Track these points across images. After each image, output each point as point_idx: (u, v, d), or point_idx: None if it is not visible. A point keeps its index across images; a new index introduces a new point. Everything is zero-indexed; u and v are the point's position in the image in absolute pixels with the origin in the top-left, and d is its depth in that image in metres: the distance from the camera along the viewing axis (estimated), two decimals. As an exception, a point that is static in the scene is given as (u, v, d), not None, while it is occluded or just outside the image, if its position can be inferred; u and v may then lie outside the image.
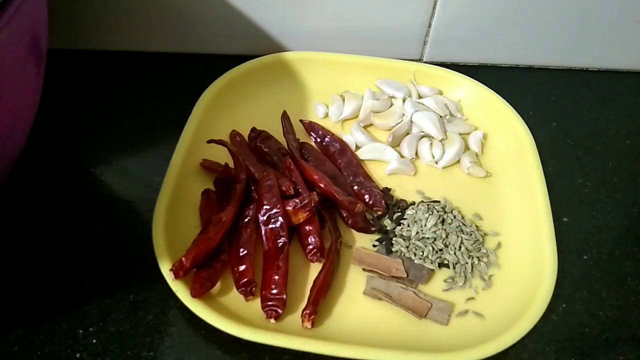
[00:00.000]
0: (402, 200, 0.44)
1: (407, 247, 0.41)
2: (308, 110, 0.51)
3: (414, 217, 0.42)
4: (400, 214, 0.43)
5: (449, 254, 0.41)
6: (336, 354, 0.34)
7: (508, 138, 0.48)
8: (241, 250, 0.39)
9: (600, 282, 0.41)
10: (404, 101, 0.51)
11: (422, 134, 0.49)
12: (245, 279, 0.37)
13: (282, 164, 0.44)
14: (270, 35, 0.54)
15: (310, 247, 0.40)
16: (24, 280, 0.38)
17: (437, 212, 0.42)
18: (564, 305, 0.39)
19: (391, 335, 0.37)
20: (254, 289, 0.37)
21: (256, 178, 0.43)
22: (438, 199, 0.44)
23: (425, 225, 0.42)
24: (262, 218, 0.40)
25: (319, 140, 0.48)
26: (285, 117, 0.49)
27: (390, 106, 0.51)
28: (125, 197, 0.44)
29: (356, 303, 0.38)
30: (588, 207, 0.45)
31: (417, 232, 0.41)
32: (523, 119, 0.49)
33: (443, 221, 0.42)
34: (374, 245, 0.42)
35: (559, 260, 0.40)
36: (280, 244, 0.39)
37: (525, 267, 0.40)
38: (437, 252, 0.41)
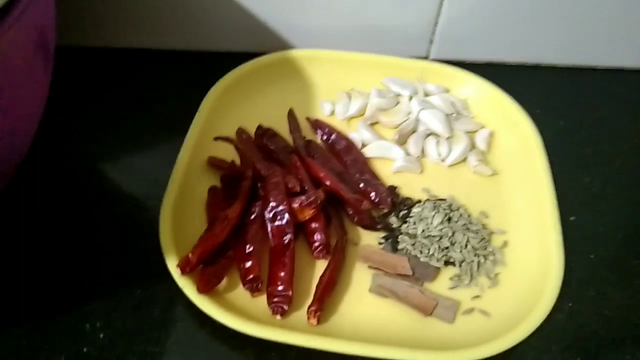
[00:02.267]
0: (408, 198, 0.44)
1: (413, 245, 0.41)
2: (314, 108, 0.51)
3: (420, 215, 0.42)
4: (406, 211, 0.43)
5: (455, 252, 0.40)
6: (341, 350, 0.34)
7: (515, 136, 0.48)
8: (247, 247, 0.39)
9: (607, 281, 0.41)
10: (410, 99, 0.51)
11: (429, 132, 0.49)
12: (252, 276, 0.38)
13: (289, 161, 0.44)
14: (277, 33, 0.54)
15: (316, 244, 0.40)
16: (32, 276, 0.39)
17: (444, 210, 0.42)
18: (570, 305, 0.39)
19: (396, 333, 0.37)
20: (260, 285, 0.37)
21: (262, 175, 0.43)
22: (444, 197, 0.44)
23: (431, 223, 0.42)
24: (268, 215, 0.40)
25: (325, 137, 0.48)
26: (291, 114, 0.49)
27: (397, 104, 0.51)
28: (132, 194, 0.44)
29: (362, 300, 0.39)
30: (595, 206, 0.45)
31: (423, 230, 0.41)
32: (530, 117, 0.49)
33: (449, 219, 0.42)
34: (380, 243, 0.42)
35: (565, 259, 0.39)
36: (286, 241, 0.39)
37: (532, 266, 0.40)
38: (443, 250, 0.41)
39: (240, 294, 0.38)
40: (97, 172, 0.45)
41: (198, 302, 0.36)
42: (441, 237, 0.41)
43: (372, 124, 0.50)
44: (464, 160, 0.47)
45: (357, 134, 0.49)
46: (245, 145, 0.46)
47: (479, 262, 0.40)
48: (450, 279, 0.40)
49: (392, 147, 0.47)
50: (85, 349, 0.35)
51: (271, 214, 0.40)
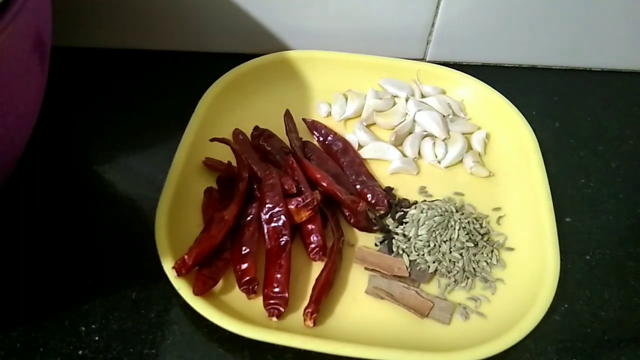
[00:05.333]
0: (404, 199, 0.44)
1: (409, 246, 0.41)
2: (311, 109, 0.51)
3: (416, 216, 0.42)
4: (402, 213, 0.43)
5: (451, 253, 0.40)
6: (338, 352, 0.34)
7: (511, 138, 0.48)
8: (243, 248, 0.39)
9: (602, 282, 0.41)
10: (407, 100, 0.51)
11: (425, 133, 0.49)
12: (248, 277, 0.37)
13: (285, 162, 0.44)
14: (274, 34, 0.54)
15: (313, 245, 0.40)
16: (27, 278, 0.38)
17: (440, 211, 0.42)
18: (566, 306, 0.39)
19: (393, 335, 0.37)
20: (256, 287, 0.37)
21: (259, 176, 0.43)
22: (441, 199, 0.44)
23: (427, 225, 0.41)
24: (264, 216, 0.40)
25: (321, 139, 0.48)
26: (288, 115, 0.49)
27: (393, 105, 0.51)
28: (128, 195, 0.44)
29: (358, 302, 0.39)
30: (591, 208, 0.45)
31: (419, 232, 0.41)
32: (526, 118, 0.49)
33: (445, 221, 0.42)
34: (376, 245, 0.42)
35: (561, 260, 0.39)
36: (283, 242, 0.39)
37: (528, 267, 0.40)
38: (438, 251, 0.41)
39: (236, 295, 0.38)
40: (92, 173, 0.45)
41: (194, 304, 0.36)
42: (437, 239, 0.41)
43: (369, 125, 0.50)
44: (460, 161, 0.47)
45: (354, 135, 0.49)
46: (242, 146, 0.46)
47: (475, 264, 0.40)
48: (447, 282, 0.40)
49: (388, 149, 0.47)
50: (80, 352, 0.35)
51: (267, 216, 0.40)
